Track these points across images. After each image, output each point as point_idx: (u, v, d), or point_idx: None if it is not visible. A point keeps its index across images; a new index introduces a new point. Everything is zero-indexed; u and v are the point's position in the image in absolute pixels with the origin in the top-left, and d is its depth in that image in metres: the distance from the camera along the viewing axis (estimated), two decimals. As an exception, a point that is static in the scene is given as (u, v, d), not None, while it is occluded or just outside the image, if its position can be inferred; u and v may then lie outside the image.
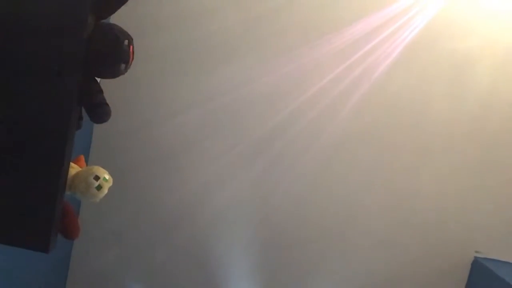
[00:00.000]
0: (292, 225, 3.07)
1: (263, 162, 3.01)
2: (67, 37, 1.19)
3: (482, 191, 2.98)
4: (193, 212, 3.07)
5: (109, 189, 1.40)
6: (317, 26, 2.92)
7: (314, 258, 3.09)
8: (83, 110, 1.30)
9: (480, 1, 2.88)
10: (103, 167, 1.41)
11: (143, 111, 2.99)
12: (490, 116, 2.94)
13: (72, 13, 1.19)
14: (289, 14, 2.92)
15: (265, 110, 2.99)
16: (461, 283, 3.02)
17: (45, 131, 1.22)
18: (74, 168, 1.40)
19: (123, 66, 1.26)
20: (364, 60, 2.91)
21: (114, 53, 1.23)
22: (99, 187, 1.35)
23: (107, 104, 1.30)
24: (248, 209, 3.07)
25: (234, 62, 2.95)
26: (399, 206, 3.02)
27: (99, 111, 1.28)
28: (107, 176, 1.38)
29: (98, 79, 1.33)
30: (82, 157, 1.54)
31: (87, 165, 1.50)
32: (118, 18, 1.67)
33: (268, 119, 2.99)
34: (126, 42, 1.24)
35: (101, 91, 1.30)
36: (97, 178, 1.36)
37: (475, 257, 3.01)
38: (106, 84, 1.38)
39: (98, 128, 3.00)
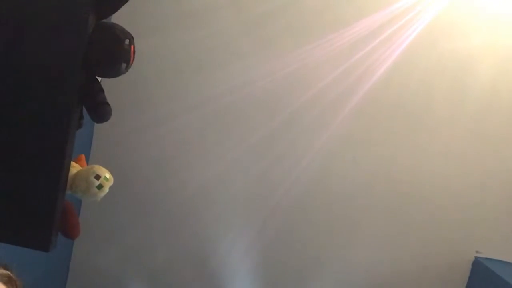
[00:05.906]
0: (293, 225, 3.07)
1: (264, 162, 3.01)
2: (68, 36, 1.20)
3: (483, 191, 2.97)
4: (194, 212, 3.07)
5: (110, 188, 1.40)
6: (318, 27, 2.91)
7: (315, 257, 3.09)
8: (84, 109, 1.31)
9: (481, 1, 2.88)
10: (104, 166, 1.41)
11: (144, 110, 2.99)
12: (491, 115, 2.93)
13: (73, 13, 1.19)
14: (289, 15, 2.92)
15: (266, 110, 2.99)
16: (462, 283, 3.02)
17: (46, 130, 1.22)
18: (75, 167, 1.40)
19: (124, 65, 1.26)
20: (365, 61, 2.91)
21: (115, 52, 1.23)
22: (100, 186, 1.36)
23: (108, 104, 1.30)
24: (249, 209, 3.07)
25: (234, 63, 2.95)
26: (399, 206, 3.02)
27: (100, 111, 1.29)
28: (108, 175, 1.39)
29: (99, 79, 1.33)
30: (83, 157, 1.55)
31: (88, 164, 1.51)
32: (119, 18, 1.67)
33: (269, 120, 2.98)
34: (127, 41, 1.24)
35: (102, 91, 1.30)
36: (98, 177, 1.36)
37: (476, 257, 3.00)
38: (107, 84, 1.38)
39: (99, 128, 3.00)
